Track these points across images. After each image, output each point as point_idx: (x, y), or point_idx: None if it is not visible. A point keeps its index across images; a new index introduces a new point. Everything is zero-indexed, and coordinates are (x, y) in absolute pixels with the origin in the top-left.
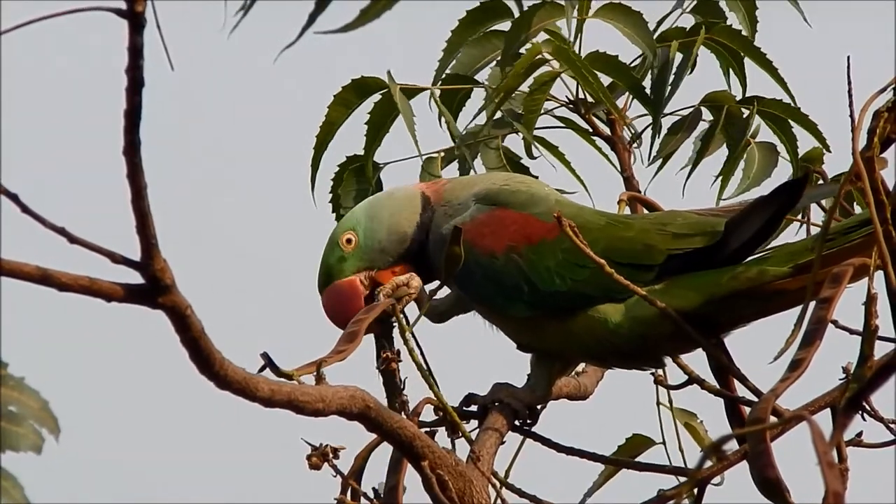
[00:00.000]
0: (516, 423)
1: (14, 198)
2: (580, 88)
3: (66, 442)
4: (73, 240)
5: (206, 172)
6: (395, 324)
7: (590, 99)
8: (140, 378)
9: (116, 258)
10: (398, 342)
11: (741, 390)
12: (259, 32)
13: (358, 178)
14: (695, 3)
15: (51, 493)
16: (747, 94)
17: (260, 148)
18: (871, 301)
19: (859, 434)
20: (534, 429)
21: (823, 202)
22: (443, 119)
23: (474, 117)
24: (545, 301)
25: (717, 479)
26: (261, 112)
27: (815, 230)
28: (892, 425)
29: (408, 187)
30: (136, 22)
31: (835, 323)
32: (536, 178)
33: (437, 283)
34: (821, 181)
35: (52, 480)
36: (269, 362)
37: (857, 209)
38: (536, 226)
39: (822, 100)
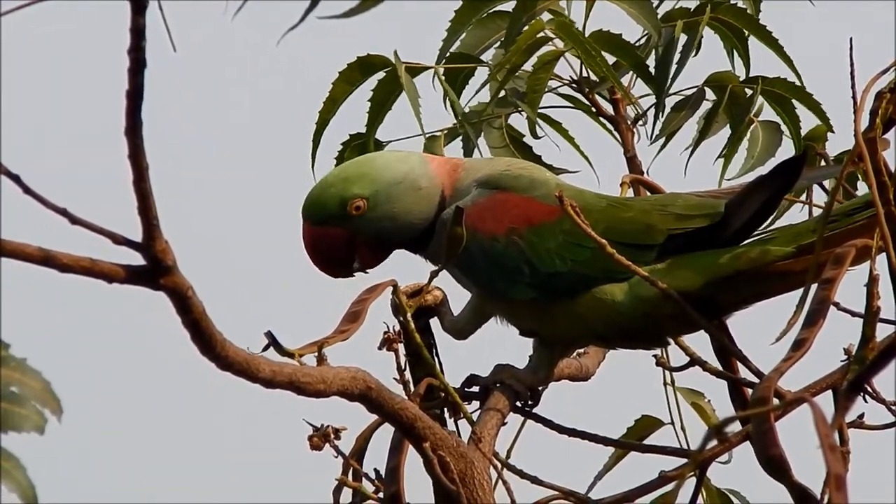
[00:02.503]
0: (518, 404)
1: (16, 178)
2: (584, 67)
3: (69, 423)
4: (74, 220)
5: (207, 152)
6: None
7: (593, 77)
8: (141, 359)
9: (118, 239)
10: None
11: (743, 372)
12: (262, 14)
13: (359, 155)
14: None
15: (53, 474)
16: (751, 75)
17: (262, 127)
18: (873, 282)
19: (861, 416)
20: (535, 410)
21: (826, 183)
22: (446, 98)
23: (476, 93)
24: (546, 283)
25: (724, 458)
26: (263, 92)
27: (817, 211)
28: (894, 407)
29: (434, 180)
30: (138, 3)
31: (836, 305)
32: (539, 157)
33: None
34: (822, 161)
35: (54, 461)
36: (272, 341)
37: (859, 192)
38: (537, 208)
39: (824, 85)
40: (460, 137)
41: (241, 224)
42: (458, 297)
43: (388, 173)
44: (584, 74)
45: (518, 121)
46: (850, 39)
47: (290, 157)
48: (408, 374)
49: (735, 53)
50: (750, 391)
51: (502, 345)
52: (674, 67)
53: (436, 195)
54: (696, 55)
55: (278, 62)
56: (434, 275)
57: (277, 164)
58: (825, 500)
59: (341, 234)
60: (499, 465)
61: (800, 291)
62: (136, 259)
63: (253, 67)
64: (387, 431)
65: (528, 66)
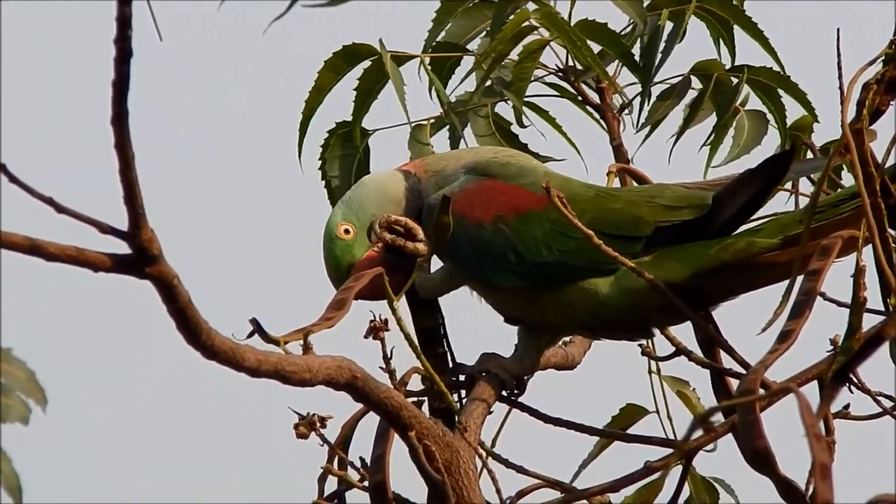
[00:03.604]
0: (503, 393)
1: (2, 168)
2: (569, 56)
3: (53, 413)
4: (60, 209)
5: (192, 143)
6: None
7: (579, 66)
8: (126, 348)
9: (104, 228)
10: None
11: (728, 362)
12: (259, 12)
13: (344, 143)
14: None
15: (39, 465)
16: (736, 64)
17: (247, 118)
18: (859, 273)
19: (846, 406)
20: (521, 399)
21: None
22: (432, 87)
23: (461, 81)
24: (532, 271)
25: (709, 447)
26: (249, 81)
27: (803, 202)
28: (879, 398)
29: (390, 170)
30: None
31: (823, 295)
32: (525, 146)
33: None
34: (809, 153)
35: (39, 451)
36: (257, 328)
37: (845, 182)
38: (525, 196)
39: (811, 75)
40: (447, 127)
41: (226, 199)
42: None
43: (342, 201)
44: (570, 63)
45: (504, 109)
46: (838, 30)
47: (284, 153)
48: (393, 364)
49: (721, 43)
50: (734, 381)
51: (487, 332)
52: (659, 56)
53: (393, 173)
54: (681, 42)
55: (277, 60)
56: (422, 264)
57: (273, 160)
58: (810, 490)
59: (361, 261)
60: (484, 455)
61: (786, 282)
62: (124, 249)
63: (251, 66)
64: (372, 420)
65: (513, 55)
